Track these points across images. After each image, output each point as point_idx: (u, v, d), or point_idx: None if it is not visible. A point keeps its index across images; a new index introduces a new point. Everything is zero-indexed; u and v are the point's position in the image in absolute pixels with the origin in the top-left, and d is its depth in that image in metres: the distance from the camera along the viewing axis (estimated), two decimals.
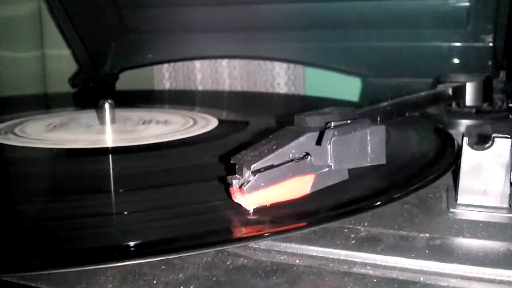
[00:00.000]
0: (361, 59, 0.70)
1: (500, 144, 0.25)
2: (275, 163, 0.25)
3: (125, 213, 0.26)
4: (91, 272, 0.20)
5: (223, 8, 0.74)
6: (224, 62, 0.85)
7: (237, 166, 0.25)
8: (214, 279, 0.20)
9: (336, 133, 0.25)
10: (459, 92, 0.50)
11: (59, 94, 0.80)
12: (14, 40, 0.81)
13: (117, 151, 0.40)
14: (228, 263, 0.21)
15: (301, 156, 0.25)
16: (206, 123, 0.50)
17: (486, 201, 0.26)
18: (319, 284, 0.20)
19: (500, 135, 0.26)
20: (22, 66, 0.81)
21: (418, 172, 0.32)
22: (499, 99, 0.54)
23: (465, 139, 0.26)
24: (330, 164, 0.26)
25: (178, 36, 0.79)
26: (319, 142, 0.26)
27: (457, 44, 0.64)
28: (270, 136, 0.27)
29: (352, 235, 0.23)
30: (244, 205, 0.24)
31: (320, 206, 0.26)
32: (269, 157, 0.24)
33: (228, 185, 0.25)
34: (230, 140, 0.44)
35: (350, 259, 0.22)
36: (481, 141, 0.29)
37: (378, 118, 0.35)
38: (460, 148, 0.27)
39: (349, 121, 0.27)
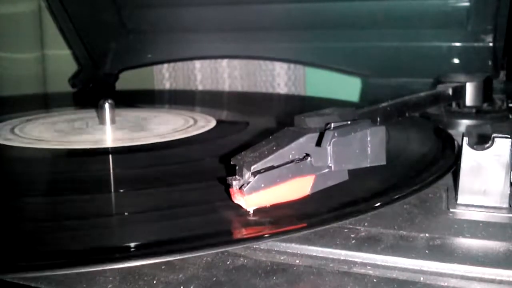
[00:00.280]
0: (361, 59, 0.70)
1: (500, 144, 0.25)
2: (275, 164, 0.25)
3: (126, 214, 0.26)
4: (91, 272, 0.20)
5: (223, 8, 0.74)
6: (224, 62, 0.85)
7: (237, 167, 0.25)
8: (214, 279, 0.20)
9: (336, 134, 0.25)
10: (459, 92, 0.50)
11: (59, 94, 0.80)
12: (14, 40, 0.81)
13: (117, 151, 0.40)
14: (228, 263, 0.21)
15: (301, 157, 0.25)
16: (206, 123, 0.50)
17: (486, 201, 0.26)
18: (319, 284, 0.20)
19: (500, 135, 0.26)
20: (22, 66, 0.81)
21: (418, 173, 0.32)
22: (499, 99, 0.54)
23: (465, 139, 0.26)
24: (330, 165, 0.26)
25: (178, 36, 0.79)
26: (319, 143, 0.26)
27: (457, 44, 0.64)
28: (270, 137, 0.27)
29: (352, 235, 0.23)
30: (244, 206, 0.24)
31: (320, 207, 0.26)
32: (269, 158, 0.24)
33: (228, 186, 0.25)
34: (230, 140, 0.44)
35: (350, 259, 0.22)
36: (481, 141, 0.29)
37: (378, 119, 0.35)
38: (460, 148, 0.27)
39: (349, 122, 0.27)
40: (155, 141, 0.43)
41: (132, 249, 0.21)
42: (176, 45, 0.80)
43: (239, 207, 0.24)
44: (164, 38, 0.80)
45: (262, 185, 0.24)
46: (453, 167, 0.32)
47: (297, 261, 0.22)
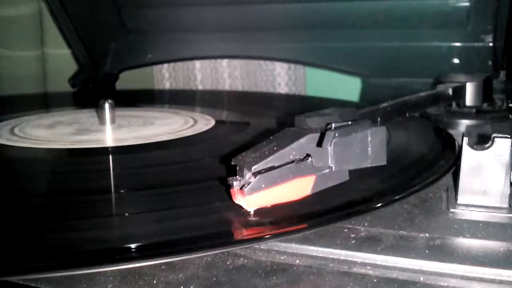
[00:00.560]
0: (361, 59, 0.70)
1: (500, 144, 0.25)
2: (276, 165, 0.25)
3: (126, 214, 0.26)
4: (91, 272, 0.20)
5: (223, 8, 0.74)
6: (224, 62, 0.85)
7: (237, 168, 0.25)
8: (214, 279, 0.20)
9: (337, 134, 0.25)
10: (459, 92, 0.50)
11: (59, 94, 0.80)
12: (14, 40, 0.81)
13: (117, 151, 0.40)
14: (228, 263, 0.21)
15: (301, 158, 0.25)
16: (206, 123, 0.50)
17: (486, 201, 0.26)
18: (319, 284, 0.20)
19: (500, 135, 0.26)
20: (22, 65, 0.82)
21: (418, 173, 0.32)
22: (499, 99, 0.54)
23: (465, 139, 0.26)
24: (330, 165, 0.26)
25: (178, 36, 0.79)
26: (320, 143, 0.26)
27: (457, 44, 0.64)
28: (271, 137, 0.27)
29: (352, 235, 0.23)
30: (245, 207, 0.24)
31: (321, 207, 0.26)
32: (269, 158, 0.24)
33: (229, 187, 0.25)
34: (230, 140, 0.44)
35: (350, 259, 0.22)
36: (481, 141, 0.29)
37: (379, 119, 0.35)
38: (460, 148, 0.27)
39: (349, 122, 0.27)
40: (155, 141, 0.43)
41: (133, 250, 0.21)
42: (176, 45, 0.80)
43: (239, 207, 0.24)
44: (164, 38, 0.80)
45: (263, 186, 0.24)
46: (453, 167, 0.32)
47: (297, 261, 0.22)
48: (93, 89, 0.81)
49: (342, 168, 0.26)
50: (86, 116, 0.54)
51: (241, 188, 0.24)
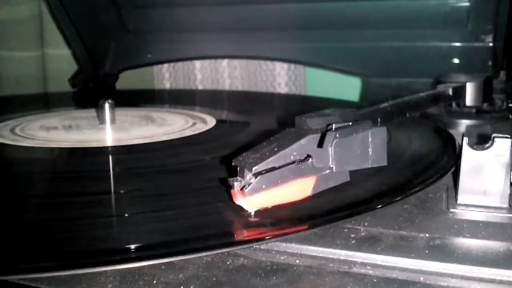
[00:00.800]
0: (361, 59, 0.70)
1: (500, 144, 0.25)
2: (277, 165, 0.25)
3: (126, 215, 0.26)
4: (91, 272, 0.20)
5: (223, 8, 0.74)
6: (224, 62, 0.85)
7: (238, 168, 0.25)
8: (214, 279, 0.20)
9: (337, 135, 0.25)
10: (459, 92, 0.50)
11: (59, 94, 0.80)
12: (14, 40, 0.81)
13: (117, 151, 0.40)
14: (228, 263, 0.21)
15: (302, 158, 0.25)
16: (207, 123, 0.50)
17: (486, 201, 0.26)
18: (319, 284, 0.20)
19: (500, 135, 0.26)
20: (22, 65, 0.82)
21: (419, 173, 0.32)
22: (499, 99, 0.54)
23: (465, 139, 0.26)
24: (331, 166, 0.26)
25: (178, 36, 0.79)
26: (320, 144, 0.26)
27: (457, 44, 0.64)
28: (271, 138, 0.27)
29: (352, 235, 0.23)
30: (245, 207, 0.24)
31: (321, 208, 0.26)
32: (270, 159, 0.24)
33: (230, 187, 0.25)
34: (230, 140, 0.44)
35: (350, 259, 0.22)
36: (481, 141, 0.29)
37: (379, 119, 0.35)
38: (460, 148, 0.27)
39: (350, 123, 0.27)
40: (155, 141, 0.43)
41: (133, 251, 0.21)
42: (176, 45, 0.80)
43: (240, 208, 0.24)
44: (164, 38, 0.80)
45: (264, 186, 0.24)
46: (453, 167, 0.32)
47: (297, 261, 0.22)
48: (93, 89, 0.81)
49: (343, 169, 0.26)
50: (86, 116, 0.54)
51: (241, 189, 0.24)
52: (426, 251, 0.22)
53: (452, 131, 0.44)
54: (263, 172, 0.24)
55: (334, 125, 0.27)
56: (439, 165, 0.33)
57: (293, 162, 0.25)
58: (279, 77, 0.82)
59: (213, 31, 0.77)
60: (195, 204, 0.27)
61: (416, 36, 0.66)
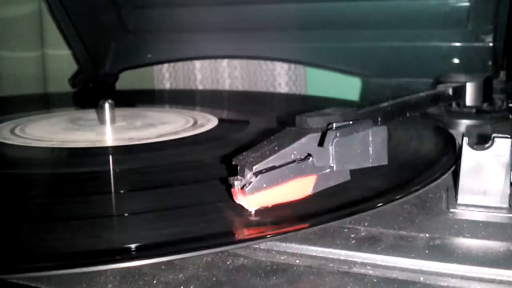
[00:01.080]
0: (361, 59, 0.70)
1: (500, 144, 0.25)
2: (277, 164, 0.25)
3: (126, 214, 0.26)
4: (91, 272, 0.20)
5: (223, 8, 0.74)
6: (224, 62, 0.85)
7: (238, 167, 0.25)
8: (214, 279, 0.20)
9: (338, 134, 0.25)
10: (459, 92, 0.50)
11: (59, 94, 0.80)
12: (14, 40, 0.81)
13: (117, 151, 0.40)
14: (228, 263, 0.21)
15: (302, 157, 0.25)
16: (207, 122, 0.50)
17: (486, 201, 0.26)
18: (319, 284, 0.20)
19: (500, 135, 0.26)
20: (22, 66, 0.81)
21: (419, 172, 0.32)
22: (499, 99, 0.54)
23: (465, 139, 0.26)
24: (332, 165, 0.26)
25: (178, 36, 0.79)
26: (321, 143, 0.26)
27: (457, 44, 0.64)
28: (272, 137, 0.27)
29: (352, 235, 0.23)
30: (245, 206, 0.24)
31: (322, 207, 0.26)
32: (270, 158, 0.24)
33: (230, 186, 0.25)
34: (231, 140, 0.44)
35: (350, 259, 0.22)
36: (481, 141, 0.29)
37: (379, 119, 0.35)
38: (460, 148, 0.27)
39: (350, 122, 0.27)
40: (155, 141, 0.43)
41: (133, 250, 0.21)
42: (176, 45, 0.80)
43: (240, 207, 0.24)
44: (164, 38, 0.80)
45: (264, 185, 0.24)
46: (454, 165, 0.32)
47: (297, 261, 0.22)
48: (93, 89, 0.81)
49: (343, 168, 0.26)
50: (86, 116, 0.54)
51: (242, 188, 0.24)
52: (426, 251, 0.22)
53: (452, 131, 0.44)
54: (263, 171, 0.24)
55: (334, 124, 0.27)
56: (439, 165, 0.33)
57: (293, 161, 0.25)
58: (279, 77, 0.82)
59: (213, 31, 0.77)
60: (195, 203, 0.27)
61: (416, 36, 0.66)
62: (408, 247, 0.22)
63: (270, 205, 0.25)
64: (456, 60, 0.64)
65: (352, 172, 0.27)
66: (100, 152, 0.40)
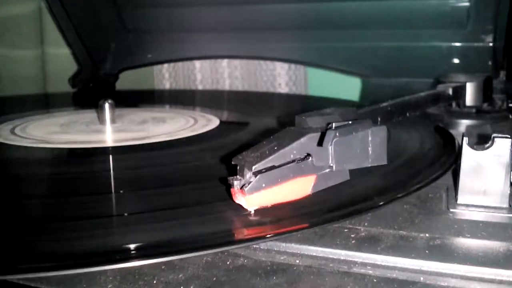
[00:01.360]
0: (361, 59, 0.70)
1: (500, 144, 0.25)
2: (276, 164, 0.25)
3: (125, 214, 0.26)
4: (91, 272, 0.20)
5: (223, 8, 0.74)
6: (224, 62, 0.85)
7: (238, 167, 0.25)
8: (214, 279, 0.20)
9: (337, 134, 0.25)
10: (459, 92, 0.50)
11: (59, 94, 0.80)
12: (14, 40, 0.81)
13: (117, 151, 0.40)
14: (228, 263, 0.21)
15: (302, 157, 0.25)
16: (207, 123, 0.50)
17: (486, 201, 0.26)
18: (319, 284, 0.20)
19: (500, 135, 0.26)
20: (22, 65, 0.81)
21: (419, 172, 0.32)
22: (499, 99, 0.54)
23: (465, 139, 0.26)
24: (331, 165, 0.26)
25: (178, 36, 0.79)
26: (320, 143, 0.26)
27: (457, 44, 0.64)
28: (271, 136, 0.27)
29: (352, 235, 0.23)
30: (245, 206, 0.24)
31: (321, 207, 0.26)
32: (270, 158, 0.24)
33: (229, 186, 0.25)
34: (230, 140, 0.44)
35: (350, 259, 0.22)
36: (481, 141, 0.29)
37: (379, 118, 0.35)
38: (460, 148, 0.27)
39: (350, 122, 0.27)
40: (155, 141, 0.43)
41: (133, 250, 0.21)
42: (176, 45, 0.80)
43: (240, 207, 0.24)
44: (164, 38, 0.80)
45: (263, 185, 0.24)
46: (453, 165, 0.32)
47: (297, 261, 0.22)
48: (93, 89, 0.81)
49: (343, 168, 0.26)
50: (86, 116, 0.54)
51: (241, 188, 0.24)
52: (426, 251, 0.22)
53: (452, 131, 0.44)
54: (263, 170, 0.24)
55: (334, 123, 0.27)
56: (439, 165, 0.33)
57: (293, 161, 0.25)
58: (280, 77, 0.82)
59: (213, 31, 0.77)
60: (194, 203, 0.27)
61: (416, 36, 0.66)
62: (408, 247, 0.22)
63: (269, 205, 0.25)
64: (456, 60, 0.64)
65: (352, 172, 0.27)
66: (100, 152, 0.40)
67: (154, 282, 0.20)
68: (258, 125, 0.49)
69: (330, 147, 0.25)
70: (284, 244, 0.22)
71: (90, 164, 0.37)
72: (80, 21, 0.78)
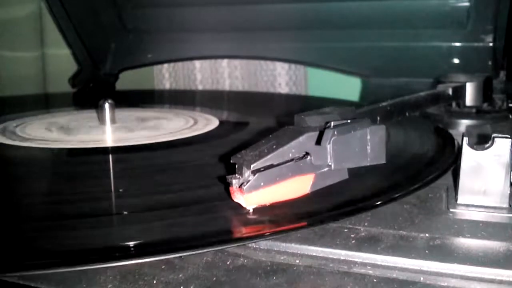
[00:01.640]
0: (361, 59, 0.70)
1: (500, 144, 0.25)
2: (275, 163, 0.25)
3: (125, 213, 0.26)
4: (91, 271, 0.20)
5: (224, 8, 0.74)
6: (224, 62, 0.85)
7: (237, 166, 0.25)
8: (214, 279, 0.20)
9: (336, 132, 0.25)
10: (459, 92, 0.50)
11: (59, 94, 0.80)
12: (14, 40, 0.81)
13: (117, 151, 0.40)
14: (228, 263, 0.21)
15: (300, 156, 0.25)
16: (207, 123, 0.50)
17: (486, 201, 0.26)
18: (319, 284, 0.20)
19: (500, 135, 0.26)
20: (22, 66, 0.81)
21: (419, 171, 0.32)
22: (499, 99, 0.54)
23: (465, 139, 0.26)
24: (330, 163, 0.26)
25: (178, 36, 0.79)
26: (318, 141, 0.26)
27: (457, 44, 0.64)
28: (270, 135, 0.27)
29: (352, 235, 0.23)
30: (244, 205, 0.24)
31: (320, 206, 0.26)
32: (269, 156, 0.24)
33: (228, 185, 0.25)
34: (230, 140, 0.44)
35: (350, 259, 0.22)
36: (481, 141, 0.29)
37: (378, 118, 0.35)
38: (460, 148, 0.27)
39: (349, 121, 0.27)
40: (155, 141, 0.43)
41: (132, 248, 0.21)
42: (176, 45, 0.80)
43: (239, 205, 0.24)
44: (164, 38, 0.80)
45: (262, 184, 0.24)
46: (453, 166, 0.32)
47: (297, 261, 0.22)
48: (93, 89, 0.81)
49: (341, 167, 0.26)
50: (86, 116, 0.54)
51: (240, 186, 0.24)
52: (426, 251, 0.22)
53: (452, 131, 0.44)
54: (261, 169, 0.24)
55: (332, 122, 0.27)
56: (439, 165, 0.33)
57: (291, 160, 0.25)
58: (280, 77, 0.82)
59: (213, 31, 0.77)
60: (193, 202, 0.27)
61: (416, 36, 0.66)
62: (408, 247, 0.22)
63: (268, 204, 0.25)
64: (456, 60, 0.64)
65: (351, 171, 0.27)
66: (100, 152, 0.40)
67: (154, 282, 0.20)
68: (258, 125, 0.49)
69: (328, 146, 0.25)
70: (284, 244, 0.22)
71: (90, 164, 0.37)
72: (80, 21, 0.78)
